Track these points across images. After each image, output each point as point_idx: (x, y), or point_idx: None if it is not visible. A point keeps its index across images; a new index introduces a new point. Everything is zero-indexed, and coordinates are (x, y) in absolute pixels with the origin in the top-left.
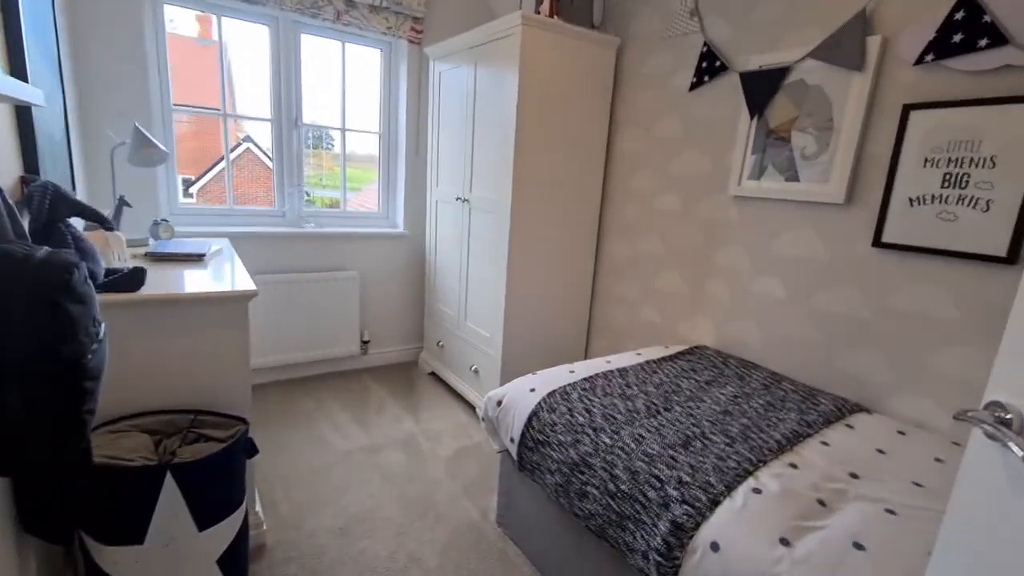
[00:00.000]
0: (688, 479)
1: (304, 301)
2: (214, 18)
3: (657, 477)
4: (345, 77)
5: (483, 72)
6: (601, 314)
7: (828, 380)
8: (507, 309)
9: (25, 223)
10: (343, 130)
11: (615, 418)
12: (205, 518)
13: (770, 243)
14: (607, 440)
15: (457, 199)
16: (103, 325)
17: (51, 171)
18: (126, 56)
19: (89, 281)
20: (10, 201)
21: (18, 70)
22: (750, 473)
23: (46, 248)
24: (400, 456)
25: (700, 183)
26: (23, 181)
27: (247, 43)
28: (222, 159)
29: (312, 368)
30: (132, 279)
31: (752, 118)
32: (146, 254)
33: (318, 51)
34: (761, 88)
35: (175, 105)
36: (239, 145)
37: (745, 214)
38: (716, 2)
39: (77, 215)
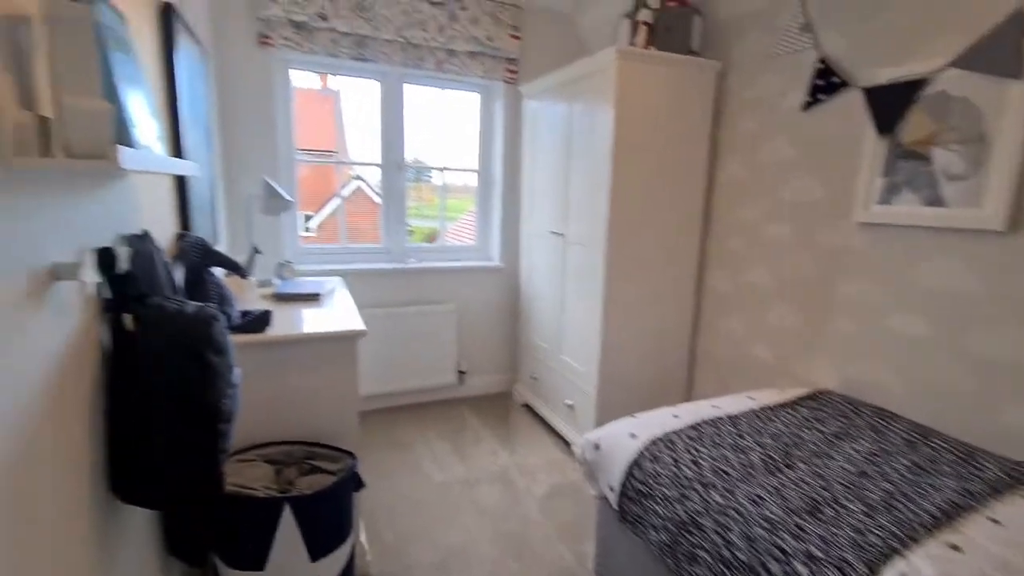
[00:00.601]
0: (820, 554)
1: (406, 333)
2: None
3: (781, 548)
4: (444, 120)
5: (578, 107)
6: (705, 350)
7: (991, 438)
8: (603, 344)
9: (179, 274)
10: (443, 169)
11: (727, 474)
12: (318, 549)
13: (907, 275)
14: (719, 499)
15: (552, 233)
16: (238, 371)
17: (200, 225)
18: (259, 115)
19: (227, 332)
20: (167, 259)
21: (178, 148)
22: (897, 552)
23: (194, 303)
24: (495, 491)
25: (816, 209)
26: (178, 237)
27: (358, 93)
28: (336, 197)
29: (412, 396)
30: (261, 321)
31: (881, 137)
32: (273, 295)
33: (421, 95)
34: (891, 104)
35: (297, 150)
36: (350, 182)
37: (874, 242)
38: (832, 14)
39: (219, 265)
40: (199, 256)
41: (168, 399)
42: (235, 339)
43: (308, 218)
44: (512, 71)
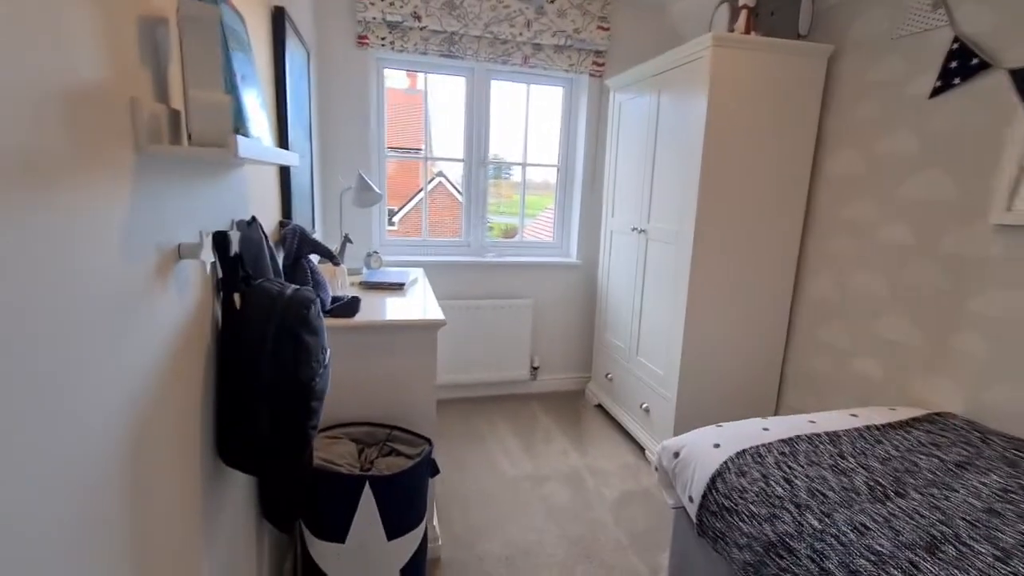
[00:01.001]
0: None
1: (482, 326)
2: (421, 75)
3: None
4: (528, 116)
5: (667, 99)
6: (798, 361)
7: None
8: (684, 348)
9: (280, 258)
10: (524, 165)
11: (826, 496)
12: (394, 528)
13: None
14: (815, 523)
15: (633, 229)
16: (328, 352)
17: (300, 214)
18: (355, 112)
19: (321, 315)
20: (271, 244)
21: (284, 141)
22: None
23: (293, 285)
24: (565, 491)
25: (943, 210)
26: (280, 224)
27: (444, 90)
28: (419, 192)
29: (486, 389)
30: (350, 307)
31: None
32: (361, 283)
33: (505, 92)
34: None
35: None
36: (433, 179)
37: (1018, 249)
38: None
39: (314, 252)
40: (297, 243)
41: (267, 373)
42: (327, 323)
43: (392, 212)
44: (599, 64)
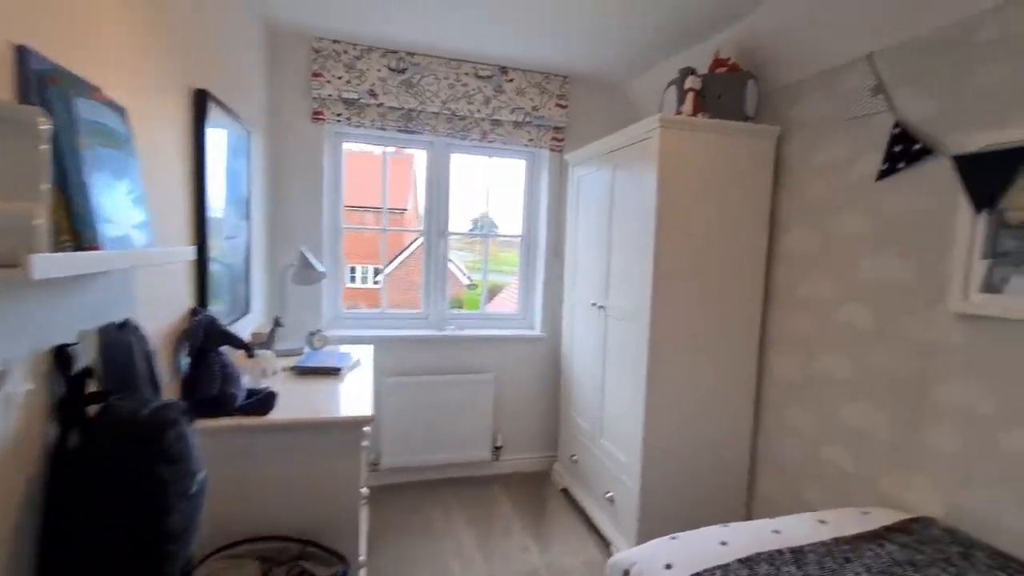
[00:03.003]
0: None
1: (440, 403)
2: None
3: None
4: (490, 188)
5: (622, 175)
6: (767, 447)
7: None
8: (646, 433)
9: (185, 353)
10: (485, 236)
11: None
12: None
13: None
14: None
15: (593, 304)
16: (200, 475)
17: (228, 296)
18: (311, 186)
19: (187, 437)
20: (149, 347)
21: (200, 224)
22: None
23: (158, 402)
24: None
25: (900, 293)
26: (192, 312)
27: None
28: (404, 250)
29: (445, 471)
30: (263, 404)
31: (978, 212)
32: (293, 367)
33: (473, 161)
34: (989, 174)
35: (347, 207)
36: (417, 239)
37: (981, 339)
38: (911, 74)
39: (226, 343)
40: (203, 335)
41: (110, 514)
42: (234, 422)
43: (377, 271)
44: (558, 139)
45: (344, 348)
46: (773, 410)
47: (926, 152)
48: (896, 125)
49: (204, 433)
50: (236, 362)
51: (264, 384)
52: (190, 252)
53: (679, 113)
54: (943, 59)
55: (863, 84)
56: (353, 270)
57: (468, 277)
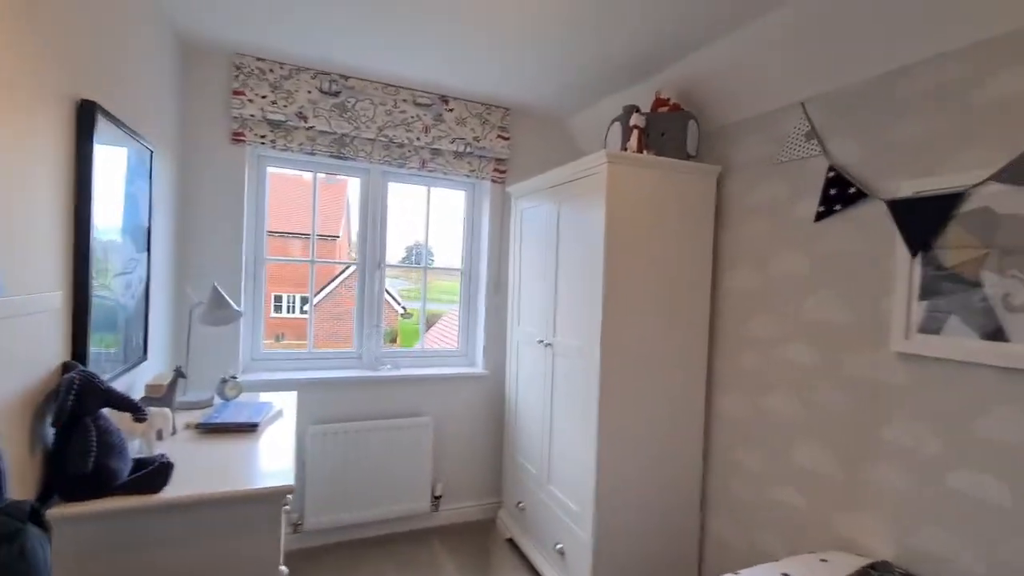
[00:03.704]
0: None
1: (372, 452)
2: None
3: None
4: (429, 220)
5: (567, 211)
6: (718, 488)
7: None
8: (599, 478)
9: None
10: (424, 268)
11: None
12: None
13: (972, 423)
14: None
15: (540, 342)
16: None
17: (119, 341)
18: (226, 214)
19: (31, 553)
20: None
21: (83, 256)
22: None
23: None
24: None
25: (842, 332)
26: (65, 367)
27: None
28: (325, 287)
29: (378, 528)
30: (153, 478)
31: (914, 256)
32: (199, 424)
33: (405, 192)
34: (922, 219)
35: (271, 232)
36: (349, 267)
37: (922, 378)
38: (841, 123)
39: (107, 405)
40: (76, 396)
41: None
42: (117, 504)
43: (304, 300)
44: (500, 171)
45: (264, 396)
46: (721, 450)
47: (861, 195)
48: (831, 169)
49: (77, 521)
50: (122, 426)
51: (159, 451)
52: (54, 300)
53: (624, 149)
54: (869, 110)
55: (797, 128)
56: (279, 299)
57: (403, 307)
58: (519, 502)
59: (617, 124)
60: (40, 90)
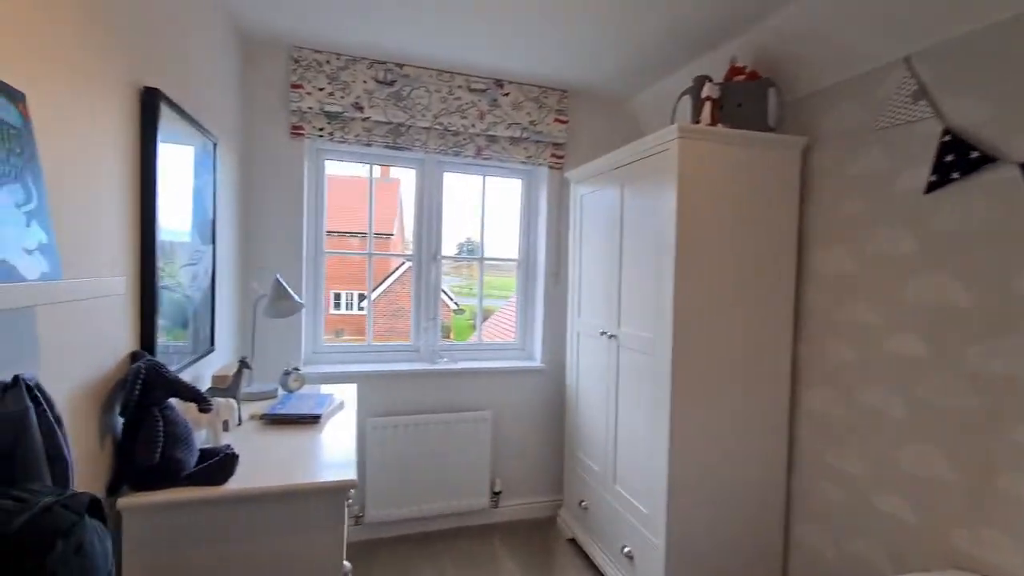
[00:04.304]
0: None
1: (432, 445)
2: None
3: None
4: (484, 210)
5: (632, 193)
6: (806, 492)
7: None
8: (671, 480)
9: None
10: (481, 259)
11: None
12: None
13: None
14: None
15: (602, 334)
16: None
17: (188, 332)
18: (289, 207)
19: (89, 548)
20: (53, 413)
21: (150, 244)
22: None
23: (41, 502)
24: None
25: (962, 319)
26: (133, 356)
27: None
28: (382, 283)
29: (437, 523)
30: (219, 470)
31: None
32: (264, 415)
33: (461, 181)
34: None
35: (329, 232)
36: (404, 264)
37: None
38: (959, 77)
39: (173, 395)
40: (142, 387)
41: None
42: (183, 495)
43: (362, 296)
44: (558, 156)
45: (325, 388)
46: (809, 450)
47: (987, 160)
48: (946, 132)
49: (144, 511)
50: (188, 417)
51: (225, 442)
52: (118, 284)
53: (696, 123)
54: (998, 59)
55: (901, 89)
56: (337, 296)
57: (455, 303)
58: (581, 501)
59: (687, 98)
60: (105, 77)
